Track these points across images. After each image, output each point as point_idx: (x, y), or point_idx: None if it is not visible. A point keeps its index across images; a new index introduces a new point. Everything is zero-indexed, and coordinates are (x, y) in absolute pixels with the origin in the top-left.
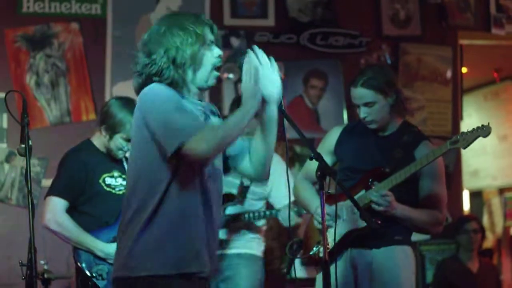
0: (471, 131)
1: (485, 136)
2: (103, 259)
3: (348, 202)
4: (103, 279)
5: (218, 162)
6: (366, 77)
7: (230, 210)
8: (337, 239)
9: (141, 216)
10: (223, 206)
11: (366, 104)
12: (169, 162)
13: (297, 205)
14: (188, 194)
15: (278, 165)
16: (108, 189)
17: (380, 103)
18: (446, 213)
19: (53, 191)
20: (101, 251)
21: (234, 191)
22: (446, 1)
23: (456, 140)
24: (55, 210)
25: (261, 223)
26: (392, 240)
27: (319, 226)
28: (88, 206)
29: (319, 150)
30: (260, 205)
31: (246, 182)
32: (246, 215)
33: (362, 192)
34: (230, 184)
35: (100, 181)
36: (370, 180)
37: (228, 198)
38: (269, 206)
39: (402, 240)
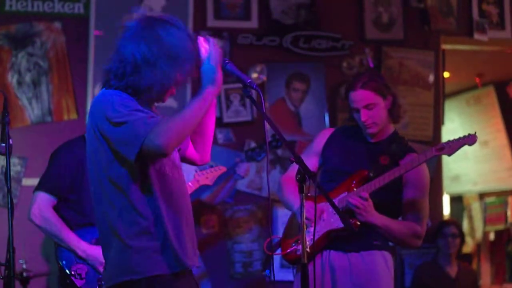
0: (457, 139)
1: (470, 145)
2: (84, 259)
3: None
4: (81, 278)
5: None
6: (364, 79)
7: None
8: (318, 236)
9: (123, 223)
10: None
11: (367, 106)
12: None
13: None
14: (159, 191)
15: None
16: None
17: (379, 105)
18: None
19: (42, 186)
20: (83, 251)
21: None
22: (429, 5)
23: (442, 147)
24: (42, 205)
25: None
26: (371, 245)
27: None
28: (76, 203)
29: (308, 150)
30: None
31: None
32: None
33: (344, 194)
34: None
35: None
36: (354, 182)
37: None
38: None
39: (381, 245)
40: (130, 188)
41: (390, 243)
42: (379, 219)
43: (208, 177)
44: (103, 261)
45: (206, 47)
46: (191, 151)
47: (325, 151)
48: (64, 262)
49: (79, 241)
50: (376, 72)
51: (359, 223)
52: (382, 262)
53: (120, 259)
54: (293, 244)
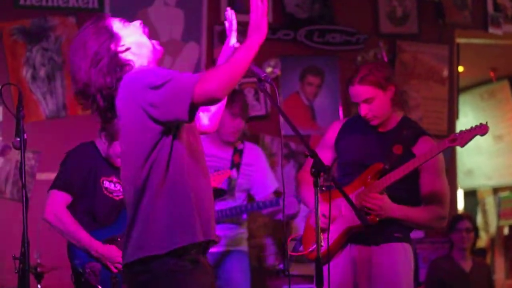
0: (468, 130)
1: (482, 135)
2: (97, 258)
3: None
4: (96, 275)
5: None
6: (362, 74)
7: (221, 205)
8: (335, 235)
9: (150, 198)
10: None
11: (366, 101)
12: (166, 135)
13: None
14: (186, 164)
15: (259, 158)
16: (105, 192)
17: (379, 98)
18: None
19: (56, 184)
20: (96, 251)
21: (223, 186)
22: None
23: (454, 139)
24: (56, 204)
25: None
26: (391, 237)
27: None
28: (88, 207)
29: (321, 144)
30: (243, 197)
31: (233, 175)
32: (249, 205)
33: (361, 189)
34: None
35: (101, 183)
36: (369, 176)
37: (218, 194)
38: (250, 197)
39: (401, 238)
40: (160, 165)
41: (412, 233)
42: (398, 211)
43: (215, 179)
44: (116, 259)
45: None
46: (199, 122)
47: (338, 144)
48: (77, 261)
49: (91, 241)
50: (376, 64)
51: (377, 220)
52: (402, 254)
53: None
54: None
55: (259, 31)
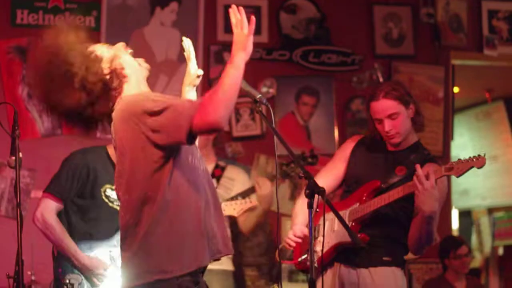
0: (466, 160)
1: (479, 168)
2: (79, 269)
3: (341, 212)
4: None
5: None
6: (386, 89)
7: None
8: (325, 249)
9: (150, 223)
10: None
11: (390, 116)
12: (167, 159)
13: None
14: (187, 186)
15: (240, 174)
16: (106, 200)
17: (402, 114)
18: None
19: (50, 189)
20: (79, 262)
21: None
22: (439, 21)
23: (451, 167)
24: (46, 210)
25: None
26: (379, 261)
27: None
28: (82, 208)
29: (337, 155)
30: None
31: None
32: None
33: (356, 206)
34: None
35: (102, 190)
36: (365, 193)
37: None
38: None
39: (390, 262)
40: (160, 187)
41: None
42: (432, 207)
43: (235, 208)
44: (98, 272)
45: (238, 16)
46: None
47: (351, 158)
48: (60, 270)
49: (76, 251)
50: (397, 81)
51: (368, 238)
52: (391, 279)
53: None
54: (304, 254)
55: (244, 49)
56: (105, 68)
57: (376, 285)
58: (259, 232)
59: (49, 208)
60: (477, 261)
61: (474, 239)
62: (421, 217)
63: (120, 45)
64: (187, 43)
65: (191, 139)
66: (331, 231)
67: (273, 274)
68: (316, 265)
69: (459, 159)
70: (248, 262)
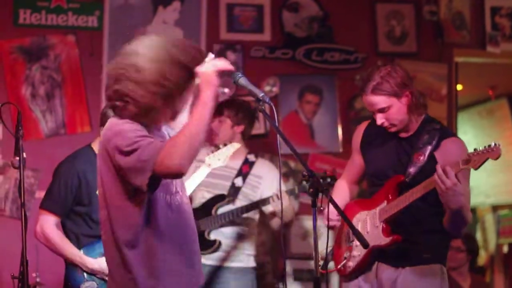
0: (481, 151)
1: (495, 159)
2: (91, 274)
3: (371, 212)
4: None
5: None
6: (375, 82)
7: (222, 210)
8: (361, 254)
9: (128, 255)
10: (215, 206)
11: (381, 110)
12: (137, 195)
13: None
14: (165, 219)
15: (270, 172)
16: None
17: (394, 106)
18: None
19: (45, 204)
20: (87, 267)
21: (225, 192)
22: (442, 18)
23: (468, 160)
24: (44, 225)
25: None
26: (419, 259)
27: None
28: (84, 214)
29: (352, 151)
30: (245, 202)
31: (238, 183)
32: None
33: (384, 205)
34: (221, 186)
35: (97, 192)
36: (391, 190)
37: (219, 199)
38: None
39: (430, 258)
40: (137, 219)
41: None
42: (458, 203)
43: (220, 158)
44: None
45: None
46: None
47: (362, 150)
48: (71, 282)
49: (82, 258)
50: (390, 69)
51: (400, 239)
52: (429, 277)
53: None
54: (344, 258)
55: (209, 86)
56: None
57: (415, 285)
58: (263, 231)
59: (48, 222)
60: (482, 259)
61: (478, 236)
62: (450, 213)
63: None
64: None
65: (152, 185)
66: (365, 233)
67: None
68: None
69: (475, 150)
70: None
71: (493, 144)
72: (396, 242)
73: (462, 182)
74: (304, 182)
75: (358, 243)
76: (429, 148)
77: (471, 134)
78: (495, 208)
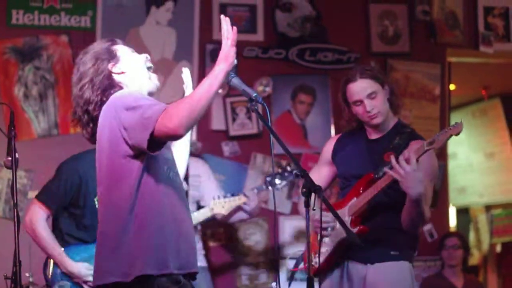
0: (444, 131)
1: (456, 134)
2: (68, 276)
3: (343, 209)
4: None
5: (170, 155)
6: (361, 69)
7: None
8: (332, 247)
9: (121, 220)
10: None
11: (369, 95)
12: (137, 159)
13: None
14: (160, 192)
15: (203, 168)
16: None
17: (380, 93)
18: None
19: (41, 196)
20: (65, 268)
21: None
22: (435, 18)
23: (432, 142)
24: (34, 218)
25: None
26: (387, 256)
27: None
28: (78, 216)
29: (319, 160)
30: (193, 208)
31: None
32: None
33: (354, 200)
34: None
35: (95, 198)
36: (361, 187)
37: None
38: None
39: (398, 255)
40: (134, 186)
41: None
42: (417, 189)
43: (224, 206)
44: (86, 278)
45: (227, 28)
46: None
47: (335, 158)
48: (50, 276)
49: (62, 258)
50: (367, 64)
51: (367, 229)
52: (399, 274)
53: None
54: (313, 255)
55: (226, 60)
56: None
57: (384, 281)
58: (257, 231)
59: (38, 215)
60: (475, 258)
61: (472, 236)
62: (409, 201)
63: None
64: (186, 73)
65: (154, 145)
66: (334, 230)
67: (272, 273)
68: (316, 265)
69: (439, 132)
70: (247, 261)
71: (457, 122)
72: (362, 233)
73: (426, 171)
74: (269, 178)
75: (326, 239)
76: (399, 148)
77: (464, 134)
78: (488, 207)
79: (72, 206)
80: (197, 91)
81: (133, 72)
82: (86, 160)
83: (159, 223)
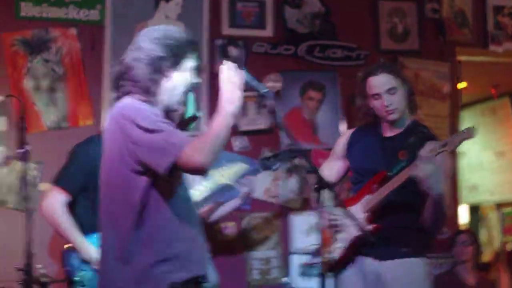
0: (457, 135)
1: (469, 139)
2: (88, 263)
3: (357, 205)
4: (83, 285)
5: None
6: (384, 64)
7: None
8: (347, 243)
9: (127, 234)
10: None
11: (389, 90)
12: (144, 174)
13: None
14: (167, 206)
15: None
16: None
17: (400, 89)
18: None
19: (59, 181)
20: (86, 254)
21: None
22: (444, 16)
23: (445, 144)
24: (53, 202)
25: None
26: (398, 253)
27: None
28: (93, 203)
29: (331, 154)
30: None
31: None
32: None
33: (367, 197)
34: None
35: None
36: (375, 184)
37: None
38: None
39: (409, 252)
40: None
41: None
42: (439, 187)
43: (223, 174)
44: None
45: (226, 72)
46: None
47: (349, 152)
48: (69, 268)
49: (83, 243)
50: (377, 60)
51: (381, 227)
52: (411, 270)
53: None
54: (329, 250)
55: (232, 104)
56: None
57: (397, 278)
58: (266, 226)
59: (57, 200)
60: (486, 256)
61: (483, 234)
62: (431, 202)
63: None
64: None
65: (171, 173)
66: (349, 227)
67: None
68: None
69: (453, 135)
70: (257, 256)
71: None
72: (378, 230)
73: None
74: (265, 160)
75: (341, 235)
76: (413, 147)
77: None
78: (499, 206)
79: (88, 190)
80: (216, 129)
81: (174, 86)
82: (96, 144)
83: (168, 238)
